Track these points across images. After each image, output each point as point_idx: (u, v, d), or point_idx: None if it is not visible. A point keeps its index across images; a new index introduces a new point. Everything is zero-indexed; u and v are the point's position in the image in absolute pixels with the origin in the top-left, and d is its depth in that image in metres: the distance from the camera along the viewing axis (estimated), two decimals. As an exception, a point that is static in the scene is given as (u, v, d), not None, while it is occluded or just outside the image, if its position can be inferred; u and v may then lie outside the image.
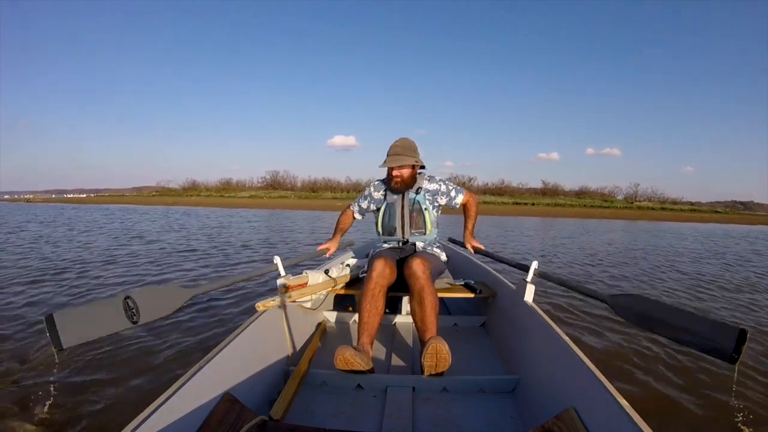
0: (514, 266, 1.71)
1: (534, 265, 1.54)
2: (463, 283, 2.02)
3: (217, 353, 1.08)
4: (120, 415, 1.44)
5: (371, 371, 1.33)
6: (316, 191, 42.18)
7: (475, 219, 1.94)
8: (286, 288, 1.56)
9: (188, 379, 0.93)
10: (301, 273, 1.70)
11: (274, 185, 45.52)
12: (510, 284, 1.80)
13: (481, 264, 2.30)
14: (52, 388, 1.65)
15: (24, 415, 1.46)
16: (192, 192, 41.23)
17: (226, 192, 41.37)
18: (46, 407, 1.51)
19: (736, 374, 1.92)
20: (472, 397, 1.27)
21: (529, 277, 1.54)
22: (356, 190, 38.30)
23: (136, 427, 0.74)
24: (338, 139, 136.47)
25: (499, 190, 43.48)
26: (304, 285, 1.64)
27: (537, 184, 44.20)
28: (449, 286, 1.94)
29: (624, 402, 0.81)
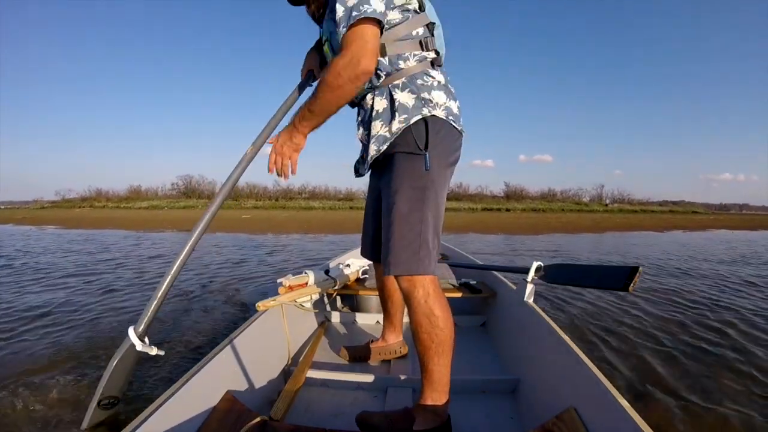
0: (513, 272, 1.73)
1: (534, 265, 1.55)
2: (463, 282, 2.02)
3: (217, 353, 1.08)
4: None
5: (372, 371, 1.33)
6: (237, 199, 31.31)
7: (322, 104, 0.91)
8: (286, 288, 1.56)
9: (188, 379, 0.93)
10: (301, 273, 1.70)
11: (188, 193, 35.84)
12: (510, 284, 1.80)
13: (482, 264, 2.30)
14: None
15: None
16: (85, 203, 31.45)
17: (129, 201, 31.45)
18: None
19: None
20: (472, 397, 1.27)
21: (530, 277, 1.55)
22: (285, 197, 31.51)
23: (136, 427, 0.74)
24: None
25: (457, 196, 35.62)
26: (304, 285, 1.64)
27: (474, 189, 37.61)
28: (449, 286, 1.94)
29: (624, 402, 0.81)
